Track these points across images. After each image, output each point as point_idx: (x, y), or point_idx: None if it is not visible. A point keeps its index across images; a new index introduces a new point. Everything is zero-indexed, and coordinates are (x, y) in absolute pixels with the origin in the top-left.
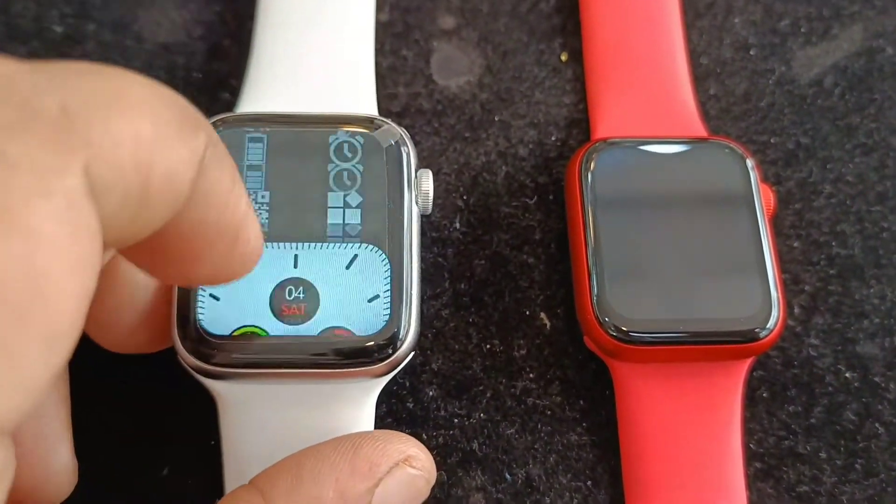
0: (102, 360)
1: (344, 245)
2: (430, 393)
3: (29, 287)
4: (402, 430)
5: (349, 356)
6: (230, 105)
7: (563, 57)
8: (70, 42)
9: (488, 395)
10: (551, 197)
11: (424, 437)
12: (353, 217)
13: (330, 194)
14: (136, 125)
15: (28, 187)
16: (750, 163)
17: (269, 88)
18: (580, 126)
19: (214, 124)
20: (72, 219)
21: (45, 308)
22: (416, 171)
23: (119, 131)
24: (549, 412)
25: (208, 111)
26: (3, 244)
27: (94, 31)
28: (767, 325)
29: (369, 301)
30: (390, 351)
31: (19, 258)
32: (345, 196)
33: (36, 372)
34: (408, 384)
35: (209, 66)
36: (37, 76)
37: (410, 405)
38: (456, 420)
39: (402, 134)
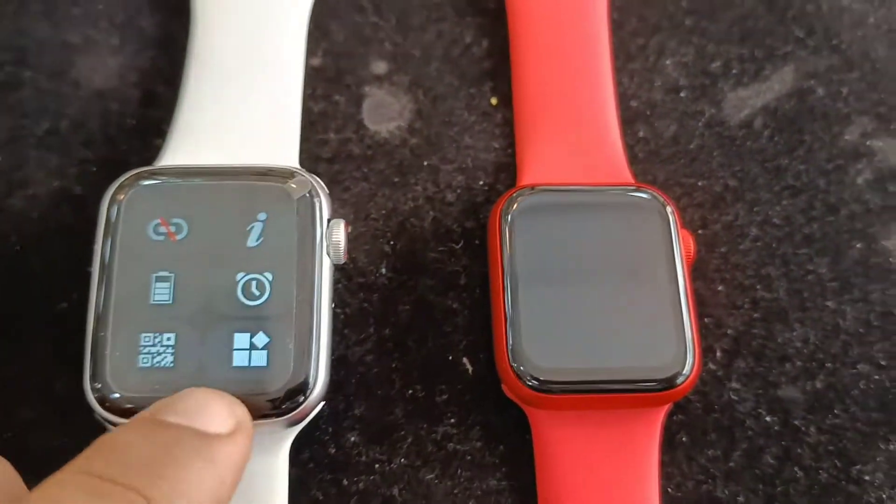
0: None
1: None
2: (352, 438)
3: None
4: (323, 476)
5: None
6: None
7: (494, 101)
8: (7, 88)
9: (409, 440)
10: (477, 242)
11: (345, 482)
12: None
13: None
14: None
15: None
16: (670, 210)
17: (193, 140)
18: (508, 170)
19: (130, 178)
20: None
21: None
22: (329, 222)
23: None
24: (469, 457)
25: (142, 158)
26: None
27: (30, 78)
28: (683, 372)
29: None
30: (301, 399)
31: None
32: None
33: None
34: (330, 430)
35: (143, 112)
36: None
37: (332, 450)
38: (377, 465)
39: (314, 184)
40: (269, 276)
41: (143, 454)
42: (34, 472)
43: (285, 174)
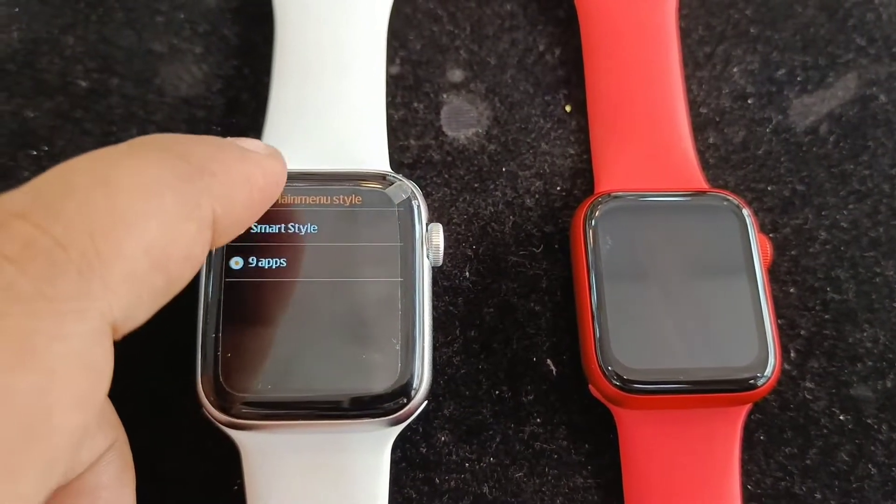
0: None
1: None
2: (443, 438)
3: (37, 417)
4: (415, 475)
5: (365, 406)
6: None
7: (568, 108)
8: (94, 96)
9: (498, 439)
10: (557, 246)
11: (437, 480)
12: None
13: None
14: (143, 236)
15: (49, 330)
16: (747, 213)
17: (285, 145)
18: (584, 176)
19: None
20: (83, 361)
21: (49, 436)
22: (427, 225)
23: (131, 253)
24: (555, 456)
25: None
26: (21, 378)
27: (117, 86)
28: (764, 374)
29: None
30: (404, 401)
31: (32, 392)
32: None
33: (31, 490)
34: (421, 430)
35: (228, 119)
36: (37, 212)
37: (423, 450)
38: (467, 464)
39: (413, 189)
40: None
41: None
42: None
43: (384, 179)
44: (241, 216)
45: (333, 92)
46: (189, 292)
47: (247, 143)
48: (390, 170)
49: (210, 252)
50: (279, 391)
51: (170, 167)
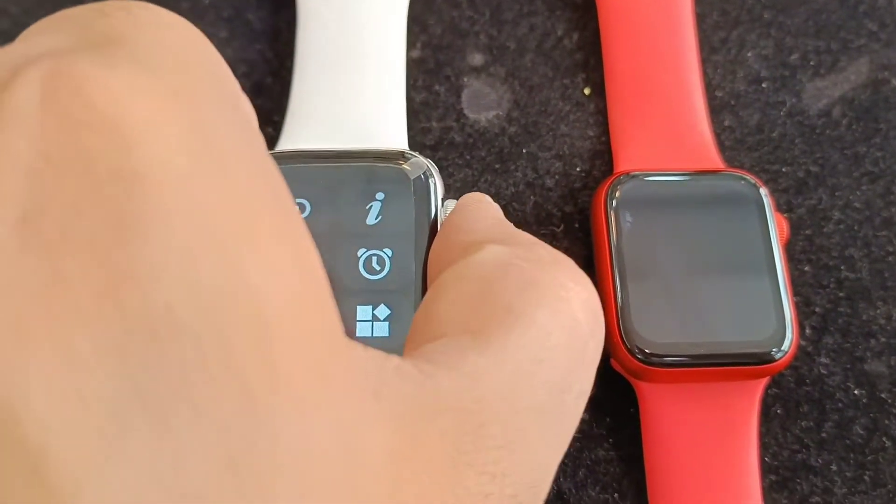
0: None
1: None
2: None
3: None
4: None
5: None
6: (273, 140)
7: (587, 91)
8: None
9: None
10: (577, 225)
11: None
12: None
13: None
14: None
15: None
16: (764, 193)
17: (307, 126)
18: (603, 157)
19: None
20: None
21: None
22: (444, 201)
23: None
24: (577, 429)
25: None
26: None
27: None
28: (782, 347)
29: None
30: None
31: None
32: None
33: None
34: None
35: (253, 102)
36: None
37: None
38: None
39: (429, 166)
40: (389, 252)
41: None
42: None
43: (400, 156)
44: None
45: (354, 75)
46: None
47: None
48: (408, 149)
49: None
50: None
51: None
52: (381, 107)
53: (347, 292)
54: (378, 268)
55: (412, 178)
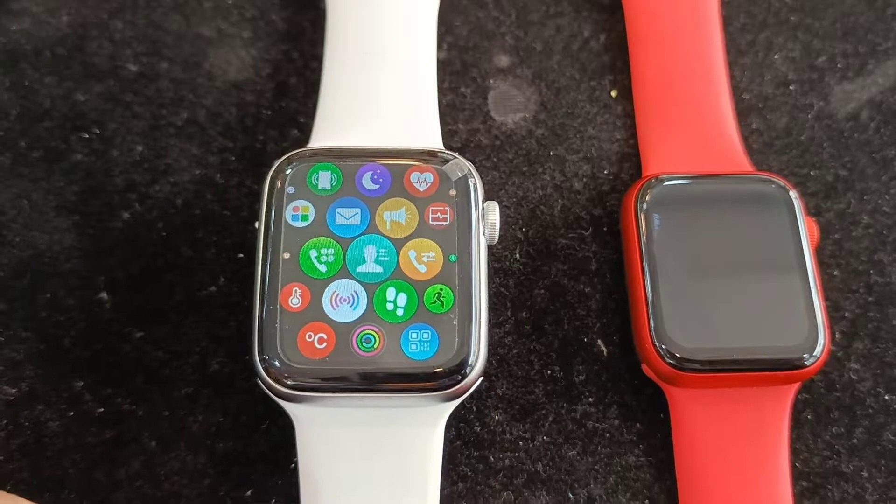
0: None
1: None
2: (496, 417)
3: None
4: (470, 453)
5: (421, 380)
6: (299, 141)
7: (614, 93)
8: (144, 80)
9: (550, 418)
10: (605, 228)
11: (492, 458)
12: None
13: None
14: None
15: None
16: (794, 196)
17: (340, 124)
18: (631, 160)
19: (289, 160)
20: None
21: None
22: (483, 203)
23: None
24: (608, 435)
25: (279, 147)
26: None
27: (166, 70)
28: (814, 353)
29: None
30: (459, 377)
31: None
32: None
33: None
34: (474, 408)
35: (278, 103)
36: None
37: (478, 429)
38: (521, 443)
39: (470, 167)
40: (432, 255)
41: None
42: (194, 448)
43: (435, 156)
44: None
45: (386, 73)
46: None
47: None
48: (444, 148)
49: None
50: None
51: None
52: (415, 104)
53: None
54: (422, 270)
55: (454, 179)
